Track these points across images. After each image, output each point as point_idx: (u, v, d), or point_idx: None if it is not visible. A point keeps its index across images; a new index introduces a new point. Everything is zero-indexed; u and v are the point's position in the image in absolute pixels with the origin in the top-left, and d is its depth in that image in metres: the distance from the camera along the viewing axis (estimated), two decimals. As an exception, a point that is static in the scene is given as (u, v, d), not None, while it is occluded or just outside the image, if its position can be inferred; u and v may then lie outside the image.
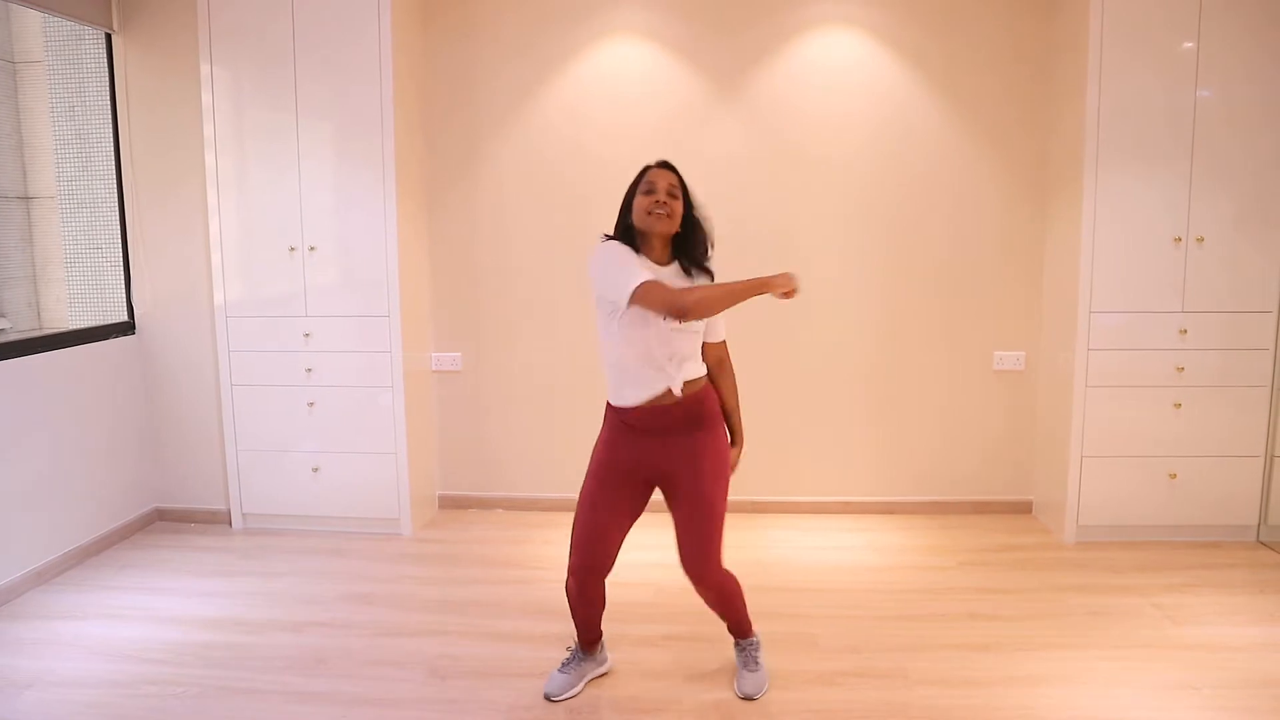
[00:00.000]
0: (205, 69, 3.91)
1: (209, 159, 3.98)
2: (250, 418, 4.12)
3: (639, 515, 2.63)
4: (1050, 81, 4.06)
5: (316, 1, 3.83)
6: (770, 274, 2.33)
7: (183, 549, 3.96)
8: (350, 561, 3.80)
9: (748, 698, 2.66)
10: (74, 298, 4.30)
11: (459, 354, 4.40)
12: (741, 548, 3.83)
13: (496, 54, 4.21)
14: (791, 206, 4.18)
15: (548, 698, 2.68)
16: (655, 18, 4.14)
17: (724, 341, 2.65)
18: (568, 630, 3.07)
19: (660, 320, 2.41)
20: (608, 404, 2.60)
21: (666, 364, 2.45)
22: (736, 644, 2.78)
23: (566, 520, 4.26)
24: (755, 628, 2.79)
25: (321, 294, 4.02)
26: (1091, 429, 3.86)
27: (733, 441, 2.69)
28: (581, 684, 2.75)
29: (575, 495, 4.34)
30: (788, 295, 2.34)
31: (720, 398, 2.63)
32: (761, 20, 4.11)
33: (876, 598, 3.39)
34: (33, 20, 4.19)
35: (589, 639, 2.77)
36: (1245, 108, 3.67)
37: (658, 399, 2.48)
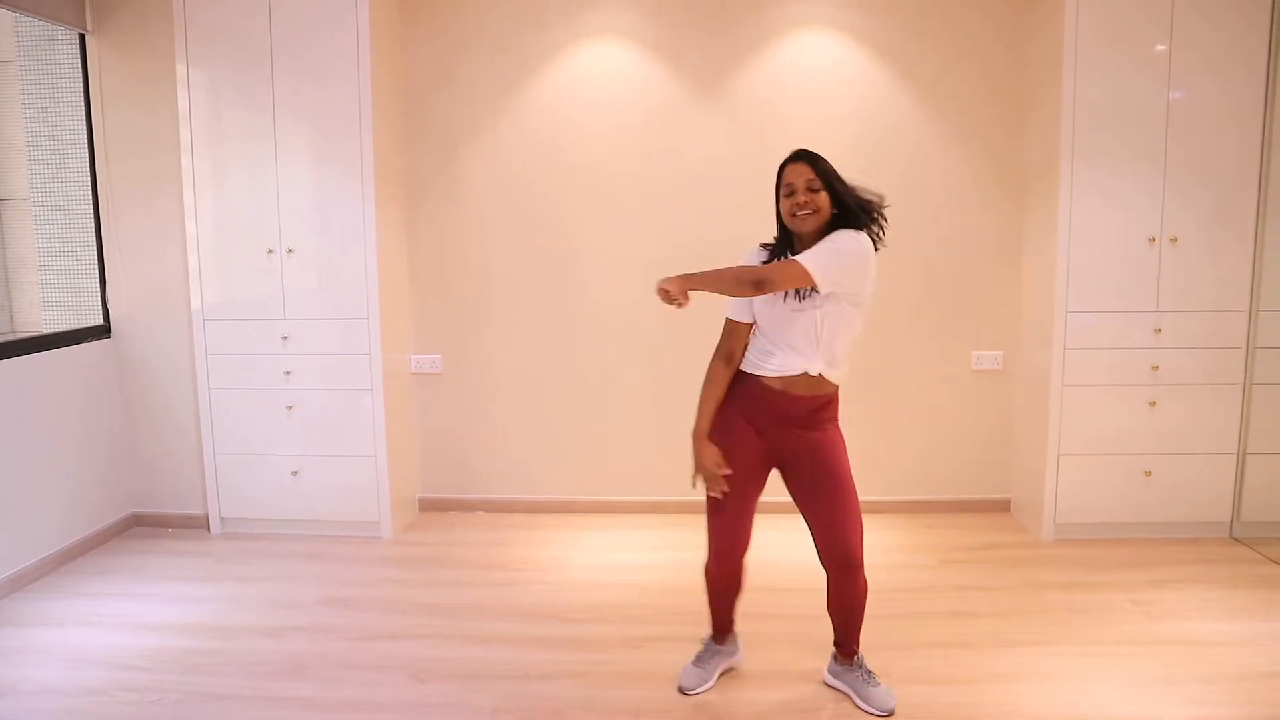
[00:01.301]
0: (181, 70, 3.88)
1: (185, 161, 3.94)
2: (228, 421, 4.09)
3: (763, 489, 2.65)
4: (1027, 83, 4.10)
5: (294, 1, 3.81)
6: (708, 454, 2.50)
7: (160, 554, 3.92)
8: (330, 565, 3.77)
9: (889, 713, 2.55)
10: (48, 301, 4.25)
11: (439, 356, 4.39)
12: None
13: (476, 55, 4.20)
14: (771, 208, 4.18)
15: (682, 691, 2.67)
16: (635, 19, 4.14)
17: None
18: (552, 633, 3.08)
19: (784, 305, 2.47)
20: (738, 373, 2.59)
21: (799, 348, 2.49)
22: (847, 667, 2.67)
23: (548, 522, 4.31)
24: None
25: (300, 296, 3.99)
26: (1068, 428, 3.89)
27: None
28: (714, 677, 2.74)
29: (556, 497, 4.40)
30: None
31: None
32: (740, 22, 4.13)
33: (858, 597, 3.40)
34: (4, 20, 4.14)
35: (723, 626, 2.76)
36: (1217, 109, 3.71)
37: (789, 379, 2.50)
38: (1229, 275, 3.80)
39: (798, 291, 2.43)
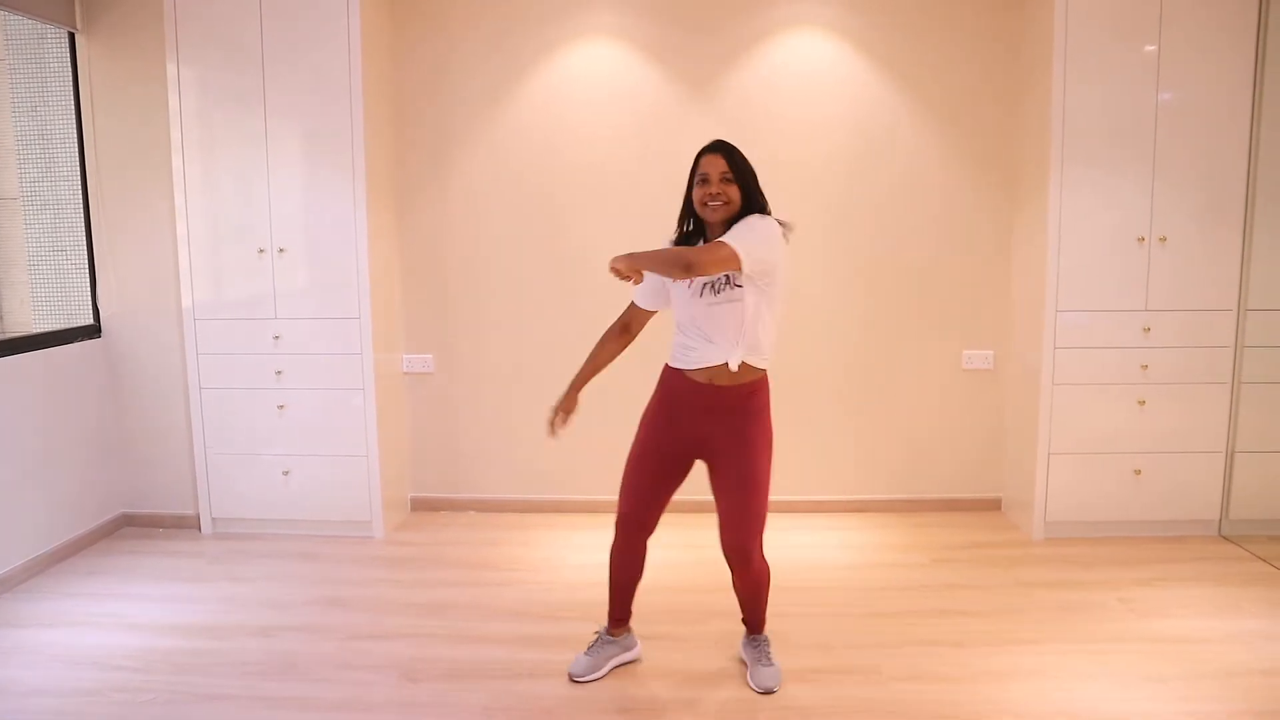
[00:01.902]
0: (171, 69, 3.87)
1: (176, 160, 3.93)
2: (219, 421, 4.08)
3: (684, 479, 2.71)
4: (1018, 84, 4.12)
5: (285, 1, 3.80)
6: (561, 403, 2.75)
7: (151, 554, 3.91)
8: (321, 565, 3.77)
9: (768, 691, 2.67)
10: (38, 300, 4.23)
11: (430, 356, 4.38)
12: (712, 547, 3.83)
13: (468, 55, 4.20)
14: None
15: (571, 678, 2.72)
16: (627, 20, 4.14)
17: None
18: (543, 632, 3.09)
19: (700, 296, 2.54)
20: (665, 367, 2.70)
21: (716, 338, 2.54)
22: (751, 639, 2.82)
23: (539, 522, 4.31)
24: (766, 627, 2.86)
25: (291, 296, 3.98)
26: (1058, 427, 3.91)
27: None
28: (606, 668, 2.78)
29: (548, 497, 4.40)
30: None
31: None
32: (733, 22, 4.13)
33: (849, 595, 3.41)
34: (-7, 18, 4.13)
35: (619, 615, 2.80)
36: (1205, 110, 3.73)
37: (712, 371, 2.55)
38: (1217, 275, 3.82)
39: (713, 285, 2.49)
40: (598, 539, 4.01)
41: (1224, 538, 3.95)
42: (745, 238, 2.42)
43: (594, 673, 2.75)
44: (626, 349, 2.78)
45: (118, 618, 3.26)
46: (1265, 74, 3.70)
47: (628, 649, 2.86)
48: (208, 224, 3.97)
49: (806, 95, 4.16)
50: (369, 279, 3.94)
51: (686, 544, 3.86)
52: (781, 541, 3.97)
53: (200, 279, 4.00)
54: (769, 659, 2.77)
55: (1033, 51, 3.95)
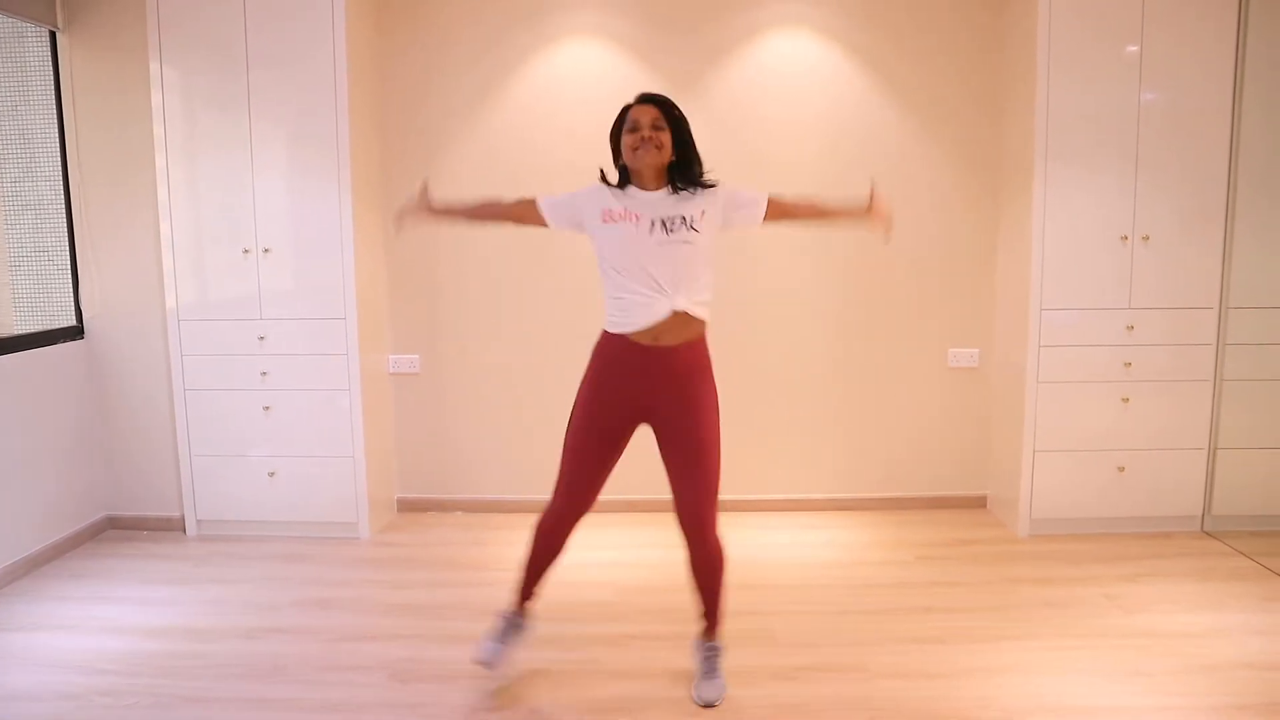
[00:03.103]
0: (154, 68, 3.84)
1: (159, 160, 3.90)
2: (204, 422, 4.05)
3: (623, 452, 2.64)
4: (1002, 84, 4.14)
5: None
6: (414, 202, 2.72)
7: (135, 557, 3.88)
8: (308, 566, 3.75)
9: (709, 704, 2.61)
10: (19, 301, 4.19)
11: (417, 356, 4.37)
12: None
13: (454, 52, 4.19)
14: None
15: (482, 664, 2.68)
16: (612, 20, 4.14)
17: (771, 209, 2.66)
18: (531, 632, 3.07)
19: (650, 236, 2.48)
20: (602, 334, 2.62)
21: (666, 283, 2.49)
22: (702, 644, 2.74)
23: (526, 522, 4.20)
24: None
25: (276, 296, 3.96)
26: (1043, 424, 3.94)
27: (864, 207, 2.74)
28: (510, 656, 2.75)
29: (535, 497, 4.37)
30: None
31: (803, 209, 2.75)
32: (716, 22, 4.14)
33: (835, 593, 3.42)
34: (-27, 17, 4.08)
35: (529, 593, 2.76)
36: (1187, 110, 3.77)
37: (657, 329, 2.49)
38: (1199, 273, 3.85)
39: (665, 224, 2.46)
40: (584, 538, 3.98)
41: (1207, 533, 3.99)
42: (743, 189, 2.64)
43: (504, 662, 2.71)
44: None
45: (101, 621, 3.24)
46: (1245, 73, 3.74)
47: (527, 630, 2.81)
48: (192, 224, 3.94)
49: (791, 95, 4.18)
50: (355, 279, 3.92)
51: (668, 544, 3.84)
52: (767, 540, 3.99)
53: (184, 280, 3.98)
54: (716, 671, 2.68)
55: (1017, 51, 3.98)
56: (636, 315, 2.49)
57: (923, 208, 4.23)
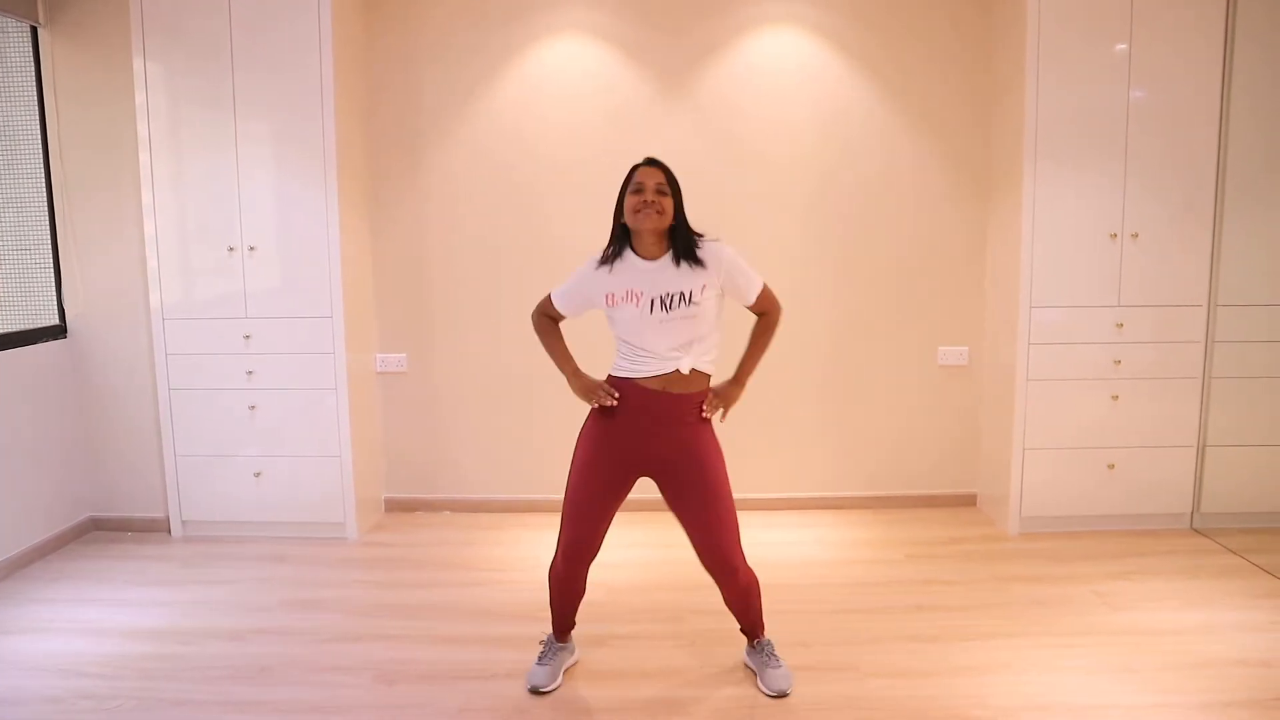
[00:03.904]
0: (138, 64, 3.80)
1: (143, 157, 3.86)
2: (189, 422, 4.01)
3: (626, 497, 2.65)
4: (992, 81, 4.14)
5: (254, -5, 3.75)
6: (589, 382, 2.62)
7: (119, 559, 3.84)
8: (294, 567, 3.72)
9: (781, 694, 2.64)
10: (1, 300, 4.14)
11: (404, 355, 4.34)
12: (688, 548, 3.82)
13: (441, 49, 4.16)
14: (738, 205, 4.19)
15: (535, 690, 2.66)
16: (600, 16, 4.12)
17: (760, 299, 2.66)
18: (519, 632, 3.05)
19: (651, 315, 2.49)
20: (607, 378, 2.63)
21: (667, 353, 2.51)
22: (754, 645, 2.77)
23: (515, 521, 4.28)
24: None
25: (262, 295, 3.93)
26: (1033, 422, 3.93)
27: (732, 380, 2.68)
28: (561, 675, 2.74)
29: (524, 496, 4.37)
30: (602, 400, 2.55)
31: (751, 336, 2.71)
32: (705, 19, 4.12)
33: (825, 592, 3.41)
34: (-47, 13, 4.03)
35: (565, 627, 2.78)
36: (1177, 108, 3.77)
37: (665, 379, 2.52)
38: (1188, 271, 3.86)
39: (664, 303, 2.49)
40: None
41: (1196, 531, 3.99)
42: (747, 269, 2.61)
43: (554, 681, 2.71)
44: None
45: (84, 623, 3.19)
46: (1234, 71, 3.74)
47: (572, 652, 2.85)
48: (176, 221, 3.90)
49: (780, 92, 4.16)
50: (341, 277, 3.89)
51: (658, 543, 3.85)
52: (756, 539, 3.95)
53: (169, 278, 3.94)
54: (776, 660, 2.72)
55: (1006, 49, 3.97)
56: (644, 367, 2.54)
57: (911, 205, 4.22)
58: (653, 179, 2.50)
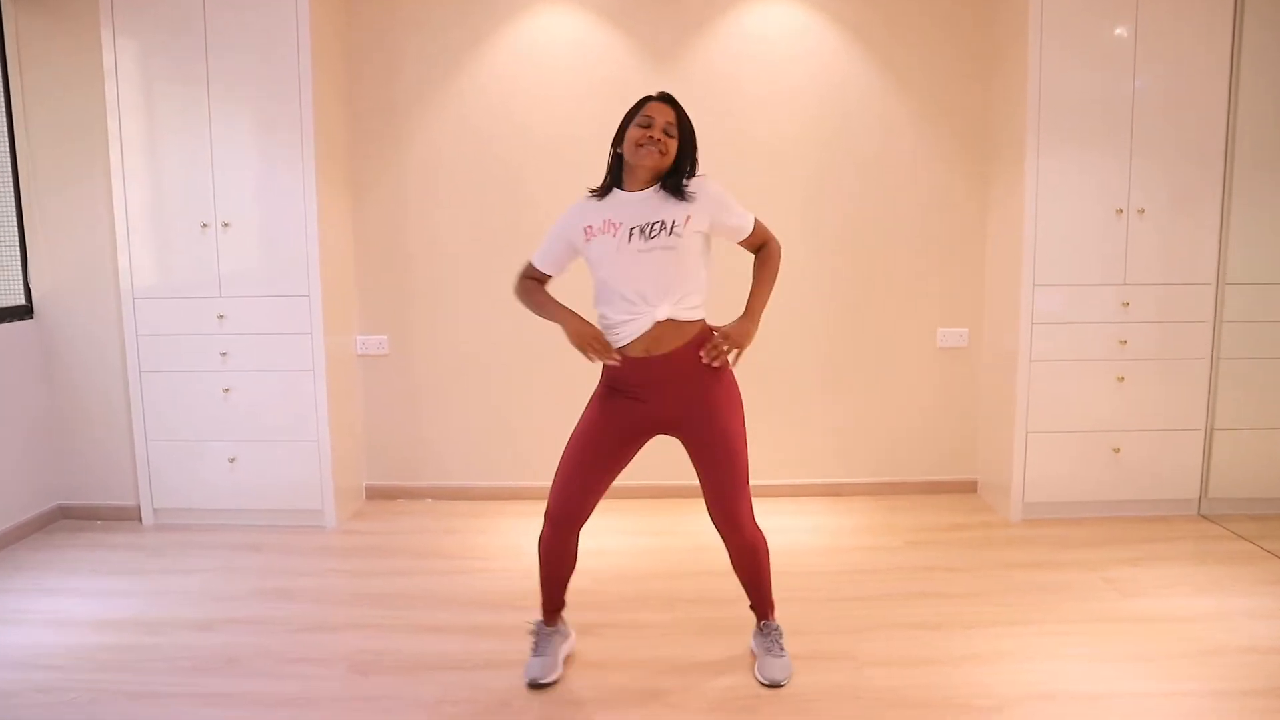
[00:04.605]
0: (107, 35, 3.65)
1: (113, 130, 3.71)
2: (161, 406, 3.86)
3: (626, 465, 2.51)
4: (993, 55, 4.00)
5: (226, -40, 3.60)
6: (584, 323, 2.40)
7: (86, 548, 3.68)
8: (269, 556, 3.57)
9: (775, 684, 2.50)
10: (-36, 280, 3.99)
11: (385, 337, 4.19)
12: (680, 534, 3.70)
13: (424, 20, 4.01)
14: (731, 183, 4.03)
15: (534, 684, 2.50)
16: (588, -16, 3.98)
17: (755, 233, 2.51)
18: (502, 621, 2.92)
19: (629, 245, 2.33)
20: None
21: (649, 293, 2.33)
22: (761, 629, 2.64)
23: (500, 509, 4.14)
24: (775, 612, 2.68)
25: (236, 273, 3.78)
26: (1036, 405, 3.80)
27: (742, 316, 2.49)
28: (560, 664, 2.58)
29: (510, 483, 4.22)
30: (597, 355, 2.37)
31: (754, 272, 2.54)
32: (698, -12, 3.98)
33: (822, 579, 3.28)
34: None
35: (553, 605, 2.61)
36: (1184, 80, 3.64)
37: (647, 342, 2.35)
38: (1197, 247, 3.73)
39: (645, 230, 2.32)
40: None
41: (1204, 517, 3.87)
42: (736, 204, 2.46)
43: (553, 672, 2.54)
44: None
45: (45, 614, 3.04)
46: (1243, 44, 3.62)
47: (567, 637, 2.68)
48: (147, 197, 3.75)
49: (774, 66, 4.02)
50: (319, 255, 3.74)
51: (650, 531, 3.73)
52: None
53: (139, 255, 3.78)
54: (780, 649, 2.58)
55: (1007, 21, 3.84)
56: (621, 331, 2.37)
57: (909, 182, 4.09)
58: (663, 116, 2.35)
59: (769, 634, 2.62)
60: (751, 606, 2.66)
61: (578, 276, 2.59)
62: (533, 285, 2.57)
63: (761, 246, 2.55)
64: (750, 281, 2.54)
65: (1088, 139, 3.66)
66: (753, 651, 2.67)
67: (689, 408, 2.41)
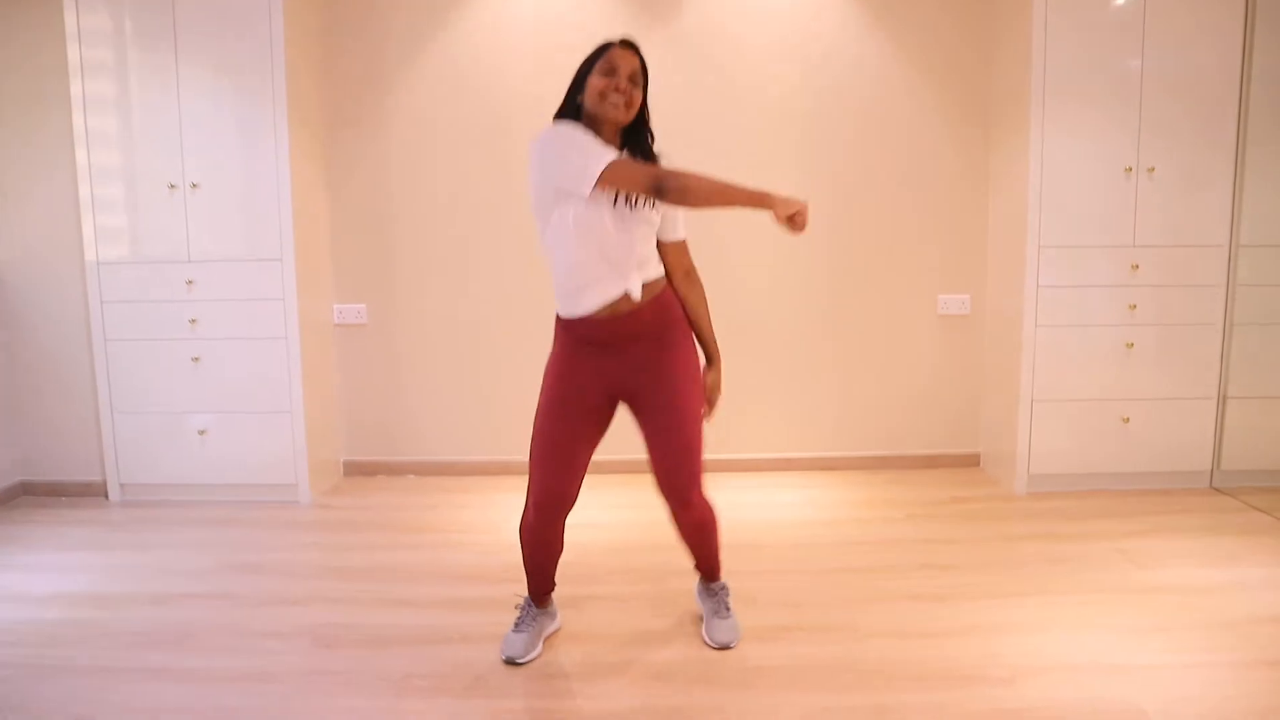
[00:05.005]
0: (68, -9, 3.47)
1: (74, 87, 3.53)
2: (127, 377, 3.69)
3: (602, 437, 2.33)
4: (996, 13, 3.83)
5: (191, -96, 3.42)
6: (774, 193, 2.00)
7: (48, 524, 3.51)
8: (239, 531, 3.40)
9: (724, 646, 2.39)
10: (-79, 246, 3.81)
11: (364, 305, 4.01)
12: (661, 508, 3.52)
13: (399, -26, 3.84)
14: (723, 144, 3.88)
15: (509, 661, 2.33)
16: (573, -65, 3.80)
17: (684, 242, 2.33)
18: (479, 594, 2.76)
19: (612, 214, 2.11)
20: (557, 318, 2.30)
21: (623, 263, 2.15)
22: (705, 588, 2.52)
23: (484, 484, 3.96)
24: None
25: (205, 236, 3.60)
26: (1041, 373, 3.64)
27: (709, 363, 2.38)
28: (540, 644, 2.42)
29: (494, 458, 4.05)
30: (794, 225, 2.01)
31: (688, 312, 2.32)
32: (688, -62, 3.81)
33: (819, 551, 3.12)
34: None
35: (542, 589, 2.45)
36: (1194, 35, 3.46)
37: (614, 305, 2.17)
38: (1209, 208, 3.56)
39: (632, 201, 2.13)
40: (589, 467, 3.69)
41: (1216, 489, 3.70)
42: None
43: (531, 651, 2.38)
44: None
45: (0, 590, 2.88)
46: (1258, -5, 3.45)
47: (553, 618, 2.52)
48: (112, 157, 3.57)
49: (768, 18, 3.85)
50: (292, 217, 3.56)
51: (635, 504, 3.56)
52: (746, 500, 3.69)
53: (104, 218, 3.60)
54: (727, 610, 2.47)
55: (1012, -32, 3.67)
56: (587, 298, 2.18)
57: (909, 143, 3.91)
58: (628, 65, 2.15)
59: (716, 594, 2.50)
60: (696, 567, 2.53)
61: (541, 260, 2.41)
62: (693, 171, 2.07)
63: (684, 268, 2.34)
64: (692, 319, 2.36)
65: (1096, 93, 3.49)
66: (699, 613, 2.53)
67: (645, 372, 2.23)
